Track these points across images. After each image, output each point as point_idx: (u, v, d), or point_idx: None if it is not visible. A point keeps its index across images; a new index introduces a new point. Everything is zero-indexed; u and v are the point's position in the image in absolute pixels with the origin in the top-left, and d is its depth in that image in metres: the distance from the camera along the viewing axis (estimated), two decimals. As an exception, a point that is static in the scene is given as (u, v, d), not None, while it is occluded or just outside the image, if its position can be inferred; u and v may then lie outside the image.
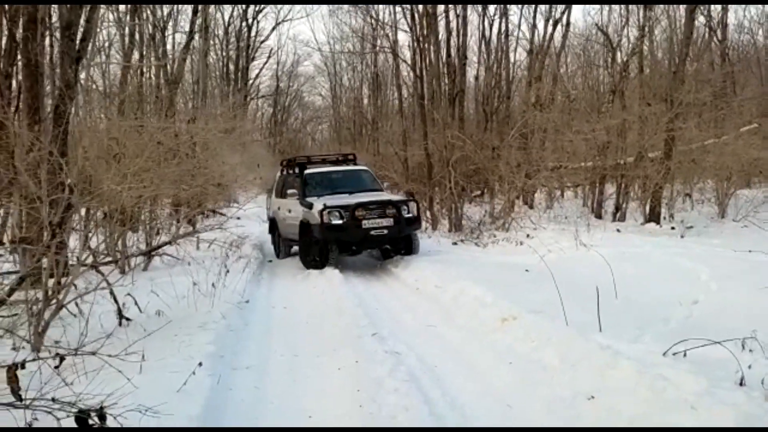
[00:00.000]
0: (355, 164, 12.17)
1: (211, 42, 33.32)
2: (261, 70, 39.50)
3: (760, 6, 27.28)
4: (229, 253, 9.06)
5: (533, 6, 23.16)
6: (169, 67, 19.91)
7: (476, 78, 25.49)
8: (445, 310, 6.82)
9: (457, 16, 22.08)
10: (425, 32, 20.89)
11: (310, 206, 9.79)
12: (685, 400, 3.63)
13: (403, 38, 40.13)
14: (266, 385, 4.73)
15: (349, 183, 11.02)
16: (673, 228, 12.02)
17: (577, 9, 40.20)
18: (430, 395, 4.27)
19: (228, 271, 7.79)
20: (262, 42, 37.97)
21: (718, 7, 23.16)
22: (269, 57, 39.51)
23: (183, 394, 3.90)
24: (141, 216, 9.62)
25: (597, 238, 10.04)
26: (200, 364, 4.48)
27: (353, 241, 9.81)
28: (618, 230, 12.02)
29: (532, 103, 18.48)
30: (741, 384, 3.71)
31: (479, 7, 23.98)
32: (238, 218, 14.56)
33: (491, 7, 23.88)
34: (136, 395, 3.33)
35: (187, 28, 20.28)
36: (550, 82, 20.68)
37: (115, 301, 5.84)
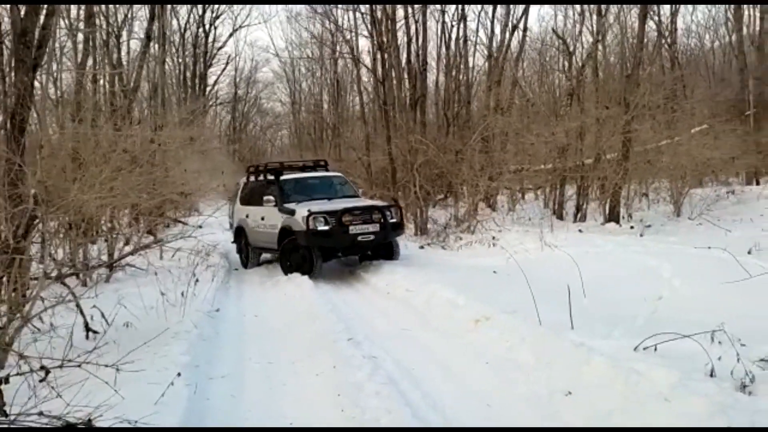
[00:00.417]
0: (326, 170, 12.07)
1: (168, 48, 32.89)
2: (219, 76, 39.12)
3: (707, 10, 28.37)
4: (198, 262, 8.89)
5: (491, 12, 23.59)
6: (125, 75, 19.50)
7: (436, 83, 25.77)
8: (418, 314, 6.86)
9: (416, 21, 22.33)
10: (386, 38, 21.02)
11: (291, 212, 9.63)
12: (659, 392, 3.75)
13: (363, 44, 40.38)
14: (243, 394, 4.69)
15: (326, 189, 10.94)
16: (632, 227, 12.36)
17: (533, 15, 41.15)
18: (410, 397, 4.29)
19: (197, 280, 7.66)
20: (220, 48, 37.64)
21: (668, 12, 24.02)
22: (227, 63, 39.16)
23: (161, 405, 3.84)
24: (102, 226, 9.38)
25: (561, 239, 10.26)
26: (179, 374, 4.40)
27: (340, 247, 9.71)
28: (580, 230, 12.29)
29: (492, 107, 18.78)
30: (711, 375, 3.86)
31: (437, 14, 24.29)
32: (200, 227, 14.33)
33: (450, 13, 24.20)
34: (116, 408, 3.25)
35: (141, 35, 19.96)
36: (509, 86, 21.02)
37: (82, 313, 5.69)
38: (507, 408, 4.15)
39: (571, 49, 22.27)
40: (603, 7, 18.13)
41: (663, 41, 24.66)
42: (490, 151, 16.36)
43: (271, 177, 10.94)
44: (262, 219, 10.59)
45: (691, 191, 14.64)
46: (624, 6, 23.63)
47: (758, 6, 22.22)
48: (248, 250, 11.34)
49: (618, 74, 19.17)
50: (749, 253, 8.00)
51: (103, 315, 5.98)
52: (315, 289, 8.57)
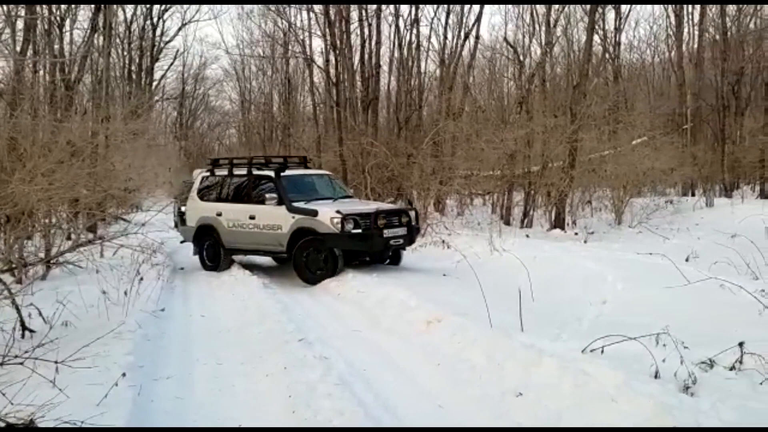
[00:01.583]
0: (307, 167, 11.33)
1: (113, 40, 31.84)
2: (166, 71, 38.08)
3: (649, 27, 29.49)
4: (143, 260, 8.60)
5: (444, 18, 23.83)
6: (67, 66, 18.75)
7: (389, 87, 25.86)
8: (370, 315, 6.84)
9: (370, 24, 22.35)
10: (339, 39, 20.96)
11: (312, 213, 9.06)
12: (606, 393, 3.85)
13: (317, 44, 40.12)
14: (190, 395, 4.56)
15: (324, 188, 10.42)
16: (576, 233, 12.74)
17: (484, 23, 41.98)
18: (363, 398, 4.27)
19: (142, 279, 7.42)
20: (168, 42, 36.59)
21: (613, 27, 24.87)
22: (175, 58, 38.16)
23: (105, 407, 3.68)
24: (41, 220, 8.96)
25: (509, 243, 10.43)
26: (124, 374, 4.24)
27: (373, 251, 9.29)
28: (527, 236, 12.56)
29: (443, 112, 18.99)
30: (656, 377, 3.98)
31: (391, 18, 24.38)
32: (143, 224, 13.92)
33: (404, 17, 24.32)
34: (58, 409, 3.10)
35: (86, 25, 19.24)
36: (460, 92, 21.31)
37: (18, 311, 5.42)
38: (459, 408, 4.18)
39: (521, 58, 22.76)
40: (552, 18, 18.62)
41: (607, 55, 25.52)
42: (440, 156, 16.54)
43: (261, 172, 10.04)
44: (251, 218, 9.75)
45: (631, 200, 15.19)
46: (572, 19, 24.35)
47: (697, 24, 23.29)
48: (218, 251, 10.32)
49: (565, 85, 19.75)
50: (687, 260, 8.35)
51: (40, 313, 5.73)
52: (264, 289, 8.44)
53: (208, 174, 10.83)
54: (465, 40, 21.72)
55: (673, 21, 25.09)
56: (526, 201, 15.42)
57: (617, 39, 25.24)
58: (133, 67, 34.05)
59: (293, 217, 9.25)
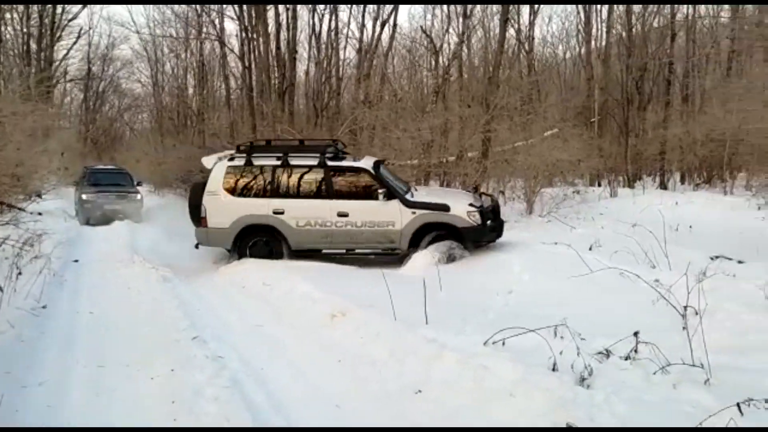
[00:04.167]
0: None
1: (8, 16, 29.51)
2: (69, 51, 35.63)
3: (561, 23, 30.45)
4: (23, 253, 7.87)
5: (362, 6, 23.58)
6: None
7: (306, 73, 25.37)
8: (274, 309, 6.54)
9: (287, 9, 21.75)
10: (254, 22, 20.28)
11: (444, 208, 8.86)
12: (504, 387, 3.78)
13: (231, 27, 38.88)
14: (62, 403, 4.12)
15: (394, 180, 9.75)
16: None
17: (403, 12, 42.02)
18: (254, 401, 4.00)
19: (20, 273, 6.76)
20: (71, 20, 34.27)
21: (527, 21, 25.46)
22: (79, 37, 35.78)
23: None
24: None
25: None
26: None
27: (491, 240, 9.27)
28: (441, 225, 12.54)
29: (361, 100, 18.79)
30: (554, 369, 3.94)
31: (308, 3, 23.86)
32: (40, 213, 12.92)
33: (321, 3, 23.87)
34: None
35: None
36: (378, 80, 21.17)
37: None
38: (356, 408, 3.99)
39: (438, 48, 22.87)
40: (468, 9, 18.75)
41: (522, 48, 26.12)
42: (357, 144, 16.33)
43: (347, 163, 9.25)
44: (342, 216, 8.89)
45: (542, 190, 15.54)
46: (487, 11, 24.71)
47: (605, 21, 24.19)
48: (280, 255, 9.10)
49: (480, 76, 19.99)
50: (590, 249, 8.53)
51: None
52: (163, 283, 7.96)
53: (239, 164, 9.26)
54: (383, 28, 21.59)
55: (583, 18, 26.01)
56: (441, 190, 15.48)
57: (531, 33, 25.91)
58: (32, 45, 31.72)
59: (413, 213, 8.88)
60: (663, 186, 21.21)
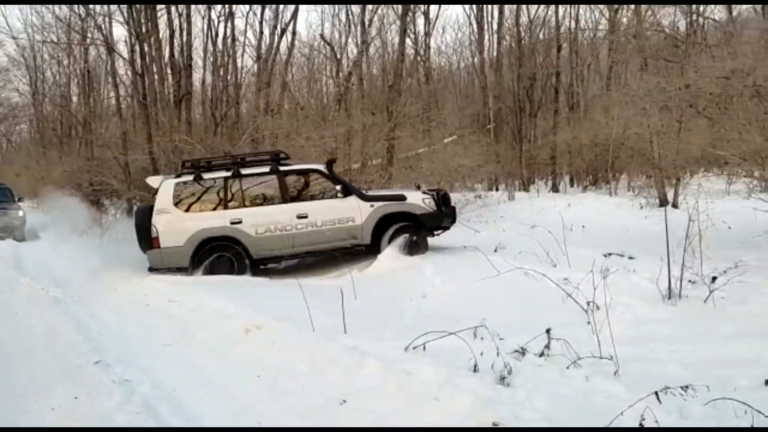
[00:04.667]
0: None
1: None
2: (-68, 55, 32.45)
3: (455, 34, 31.54)
4: None
5: (259, 13, 23.18)
6: None
7: (203, 82, 24.61)
8: (183, 326, 6.24)
9: (180, 14, 20.99)
10: (145, 28, 19.41)
11: (400, 198, 9.15)
12: (429, 391, 3.82)
13: (120, 33, 36.94)
14: (-50, 446, 3.72)
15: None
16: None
17: (301, 20, 41.71)
18: (170, 424, 3.79)
19: None
20: (-66, 22, 31.31)
21: (423, 31, 26.12)
22: (-56, 40, 32.65)
23: None
24: None
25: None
26: None
27: (451, 224, 9.59)
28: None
29: (262, 109, 18.47)
30: (475, 370, 4.04)
31: (202, 9, 23.15)
32: None
33: (216, 10, 23.23)
34: None
35: None
36: (278, 89, 20.91)
37: None
38: (280, 423, 3.88)
39: (338, 56, 22.95)
40: (367, 18, 18.97)
41: (419, 58, 26.75)
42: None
43: (297, 167, 9.37)
44: (301, 218, 8.78)
45: (445, 195, 15.99)
46: (385, 21, 25.09)
47: (496, 32, 25.28)
48: (242, 266, 8.74)
49: (381, 84, 20.27)
50: (495, 251, 8.86)
51: None
52: (56, 305, 7.40)
53: (188, 179, 8.98)
54: (282, 35, 21.32)
55: (476, 29, 27.04)
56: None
57: (427, 43, 26.54)
58: None
59: (371, 206, 8.96)
60: (555, 189, 22.45)
